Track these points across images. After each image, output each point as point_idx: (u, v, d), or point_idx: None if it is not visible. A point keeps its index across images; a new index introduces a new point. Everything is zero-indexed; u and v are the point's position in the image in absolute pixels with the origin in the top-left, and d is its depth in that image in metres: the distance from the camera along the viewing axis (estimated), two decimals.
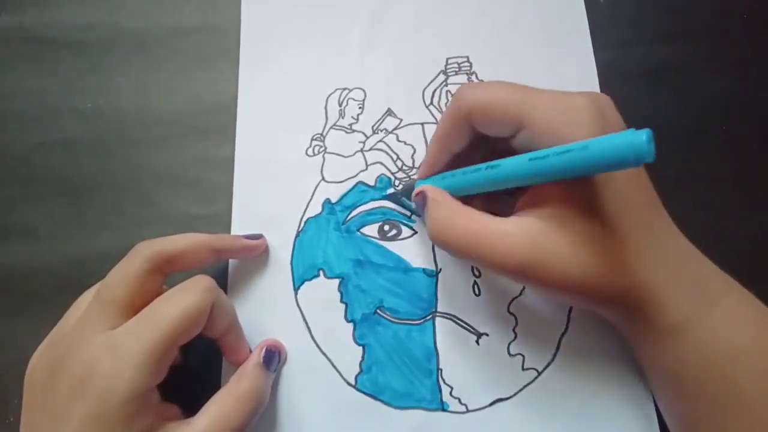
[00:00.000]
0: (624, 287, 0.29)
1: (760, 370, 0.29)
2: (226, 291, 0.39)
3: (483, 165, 0.30)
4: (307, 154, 0.42)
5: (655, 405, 0.36)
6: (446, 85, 0.43)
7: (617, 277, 0.29)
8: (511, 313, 0.38)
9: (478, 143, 0.34)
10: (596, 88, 0.42)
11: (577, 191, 0.29)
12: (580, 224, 0.29)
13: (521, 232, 0.29)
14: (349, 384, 0.37)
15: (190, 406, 0.33)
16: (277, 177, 0.41)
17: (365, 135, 0.42)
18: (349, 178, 0.41)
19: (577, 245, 0.29)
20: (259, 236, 0.39)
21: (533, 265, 0.29)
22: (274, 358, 0.36)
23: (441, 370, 0.37)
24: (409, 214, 0.40)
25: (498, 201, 0.35)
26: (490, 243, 0.29)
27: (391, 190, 0.40)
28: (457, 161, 0.35)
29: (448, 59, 0.43)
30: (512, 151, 0.31)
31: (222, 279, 0.39)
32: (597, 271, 0.29)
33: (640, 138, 0.23)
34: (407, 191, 0.37)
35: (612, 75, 0.42)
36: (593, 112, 0.29)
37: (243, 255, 0.39)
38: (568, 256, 0.29)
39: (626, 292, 0.29)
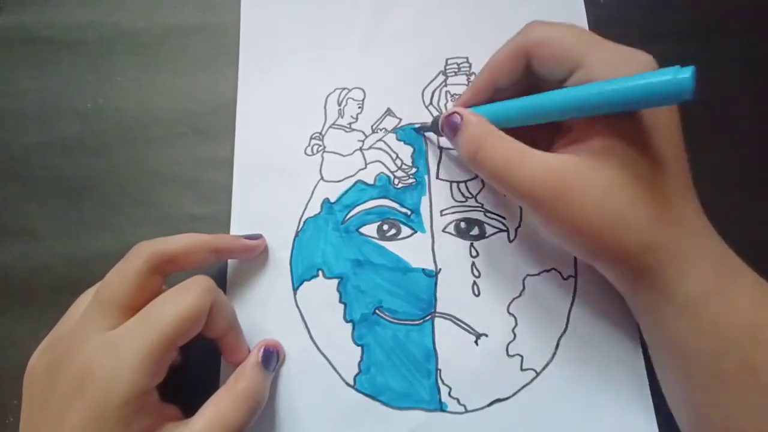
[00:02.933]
0: (648, 242, 0.29)
1: None
2: (225, 291, 0.39)
3: (533, 110, 0.31)
4: (305, 153, 0.42)
5: (654, 405, 0.36)
6: (446, 85, 0.43)
7: (645, 229, 0.29)
8: (510, 314, 0.38)
9: (522, 89, 0.34)
10: None
11: (623, 126, 0.30)
12: (618, 159, 0.29)
13: (556, 163, 0.30)
14: (347, 384, 0.37)
15: (189, 407, 0.33)
16: (276, 176, 0.41)
17: (364, 134, 0.42)
18: (348, 177, 0.41)
19: (610, 189, 0.29)
20: (258, 236, 0.39)
21: (560, 196, 0.29)
22: (272, 357, 0.36)
23: (440, 371, 0.37)
24: (409, 212, 0.40)
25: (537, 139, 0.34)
26: (523, 167, 0.30)
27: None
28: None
29: (447, 60, 0.43)
30: None
31: (221, 279, 0.39)
32: (624, 218, 0.29)
33: (685, 74, 0.25)
34: (436, 123, 0.38)
35: None
36: (654, 68, 0.30)
37: (242, 255, 0.39)
38: (597, 195, 0.29)
39: (647, 249, 0.29)
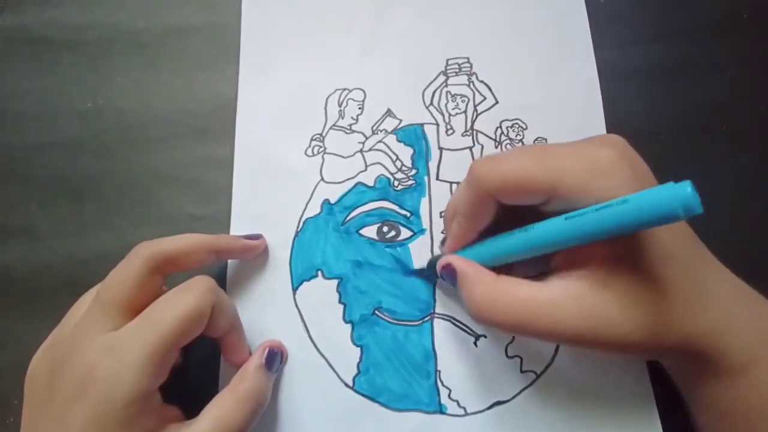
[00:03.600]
0: (680, 339, 0.28)
1: None
2: (223, 290, 0.39)
3: (516, 230, 0.30)
4: (306, 154, 0.42)
5: (656, 407, 0.36)
6: (446, 86, 0.43)
7: (672, 330, 0.28)
8: None
9: (505, 213, 0.32)
10: (596, 88, 0.42)
11: (617, 247, 0.28)
12: (625, 282, 0.28)
13: (569, 302, 0.28)
14: (346, 385, 0.37)
15: (190, 408, 0.33)
16: (277, 177, 0.41)
17: (365, 135, 0.42)
18: (348, 179, 0.41)
19: (627, 306, 0.28)
20: (258, 236, 0.39)
21: (589, 334, 0.28)
22: (275, 359, 0.36)
23: (439, 372, 0.37)
24: (408, 214, 0.40)
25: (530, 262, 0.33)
26: (539, 316, 0.28)
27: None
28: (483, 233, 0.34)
29: (448, 60, 0.43)
30: (542, 216, 0.30)
31: (221, 279, 0.39)
32: (651, 329, 0.28)
33: (685, 190, 0.23)
34: (432, 266, 0.36)
35: (612, 75, 0.42)
36: (623, 166, 0.28)
37: (243, 255, 0.39)
38: (620, 319, 0.28)
39: (684, 343, 0.29)
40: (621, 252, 0.28)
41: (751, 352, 0.29)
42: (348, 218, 0.40)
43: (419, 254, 0.39)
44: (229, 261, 0.40)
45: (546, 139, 0.41)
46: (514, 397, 0.36)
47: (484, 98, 0.42)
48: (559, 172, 0.28)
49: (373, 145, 0.41)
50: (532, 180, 0.29)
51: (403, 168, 0.41)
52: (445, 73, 0.43)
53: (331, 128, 0.42)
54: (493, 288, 0.30)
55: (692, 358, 0.30)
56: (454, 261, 0.32)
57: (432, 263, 0.37)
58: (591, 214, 0.26)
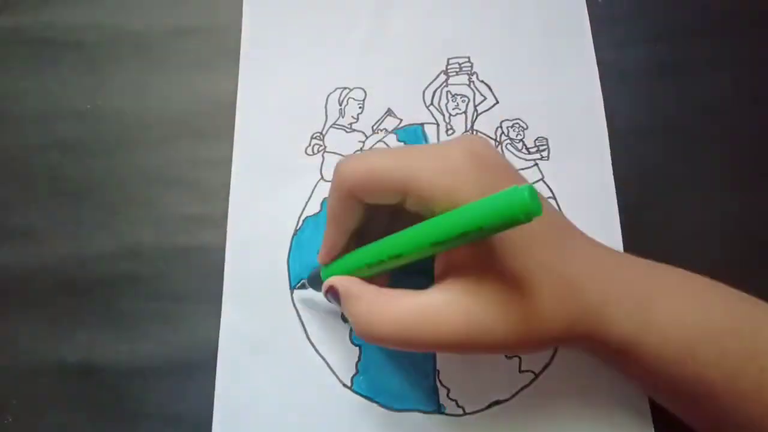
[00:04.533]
0: (560, 329, 0.29)
1: (717, 357, 0.29)
2: (222, 289, 0.39)
3: (385, 254, 0.29)
4: (306, 152, 0.42)
5: (651, 407, 0.36)
6: (447, 85, 0.43)
7: (546, 324, 0.28)
8: None
9: (374, 211, 0.32)
10: (597, 88, 0.42)
11: (479, 251, 0.28)
12: (491, 286, 0.28)
13: (449, 310, 0.28)
14: (344, 385, 0.37)
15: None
16: (276, 175, 0.41)
17: (365, 135, 0.42)
18: None
19: (498, 311, 0.28)
20: None
21: (470, 341, 0.28)
22: None
23: (438, 372, 0.37)
24: None
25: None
26: (424, 326, 0.28)
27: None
28: (360, 234, 0.33)
29: (449, 59, 0.43)
30: (408, 212, 0.30)
31: (218, 276, 0.39)
32: (524, 329, 0.28)
33: (523, 195, 0.23)
34: (315, 280, 0.36)
35: (612, 75, 0.42)
36: (472, 166, 0.28)
37: None
38: (494, 324, 0.28)
39: (566, 331, 0.29)
40: (483, 256, 0.28)
41: (630, 326, 0.29)
42: None
43: None
44: (226, 258, 0.39)
45: (546, 139, 0.41)
46: (512, 397, 0.36)
47: (485, 98, 0.42)
48: (413, 170, 0.28)
49: (374, 145, 0.41)
50: (388, 176, 0.29)
51: None
52: (445, 72, 0.43)
53: (331, 127, 0.42)
54: (377, 301, 0.29)
55: (586, 341, 0.30)
56: (335, 282, 0.32)
57: (314, 277, 0.36)
58: (435, 221, 0.27)
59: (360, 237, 0.33)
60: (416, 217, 0.28)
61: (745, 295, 0.31)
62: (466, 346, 0.28)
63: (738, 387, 0.28)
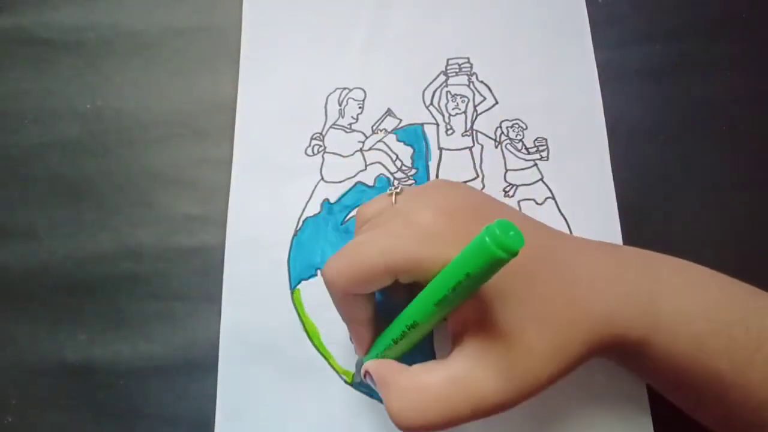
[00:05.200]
0: (578, 355, 0.29)
1: (725, 347, 0.29)
2: (222, 290, 0.39)
3: (403, 326, 0.29)
4: (306, 153, 0.42)
5: (651, 407, 0.36)
6: (446, 86, 0.43)
7: (565, 356, 0.28)
8: None
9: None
10: (596, 88, 0.42)
11: (480, 305, 0.28)
12: (494, 341, 0.28)
13: (472, 379, 0.27)
14: (346, 382, 0.37)
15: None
16: (276, 176, 0.41)
17: (364, 135, 0.42)
18: (348, 178, 0.41)
19: (496, 366, 0.27)
20: None
21: (505, 401, 0.27)
22: None
23: None
24: None
25: None
26: (453, 408, 0.27)
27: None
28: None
29: (448, 60, 0.43)
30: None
31: (218, 276, 0.39)
32: (551, 365, 0.28)
33: (494, 233, 0.22)
34: (359, 371, 0.35)
35: (612, 75, 0.42)
36: (445, 224, 0.28)
37: None
38: (524, 376, 0.28)
39: (583, 355, 0.29)
40: (483, 310, 0.28)
41: (640, 333, 0.29)
42: (348, 218, 0.40)
43: None
44: (227, 259, 0.39)
45: (546, 139, 0.41)
46: None
47: (484, 98, 0.42)
48: (392, 252, 0.28)
49: (373, 145, 0.41)
50: (371, 269, 0.28)
51: (403, 168, 0.41)
52: (445, 73, 0.43)
53: (331, 127, 0.42)
54: (406, 390, 0.29)
55: (602, 352, 0.30)
56: (370, 368, 0.31)
57: (358, 367, 0.36)
58: (431, 284, 0.27)
59: (388, 313, 0.33)
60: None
61: (744, 284, 0.31)
62: (504, 406, 0.28)
63: (747, 377, 0.28)
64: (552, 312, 0.28)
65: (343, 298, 0.31)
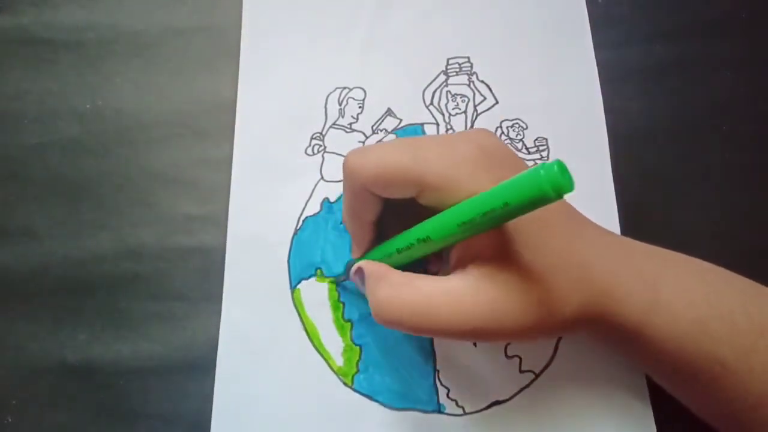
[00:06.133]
0: (572, 313, 0.29)
1: (729, 333, 0.29)
2: (222, 289, 0.39)
3: (413, 238, 0.29)
4: (306, 153, 0.42)
5: (652, 407, 0.36)
6: (447, 85, 0.43)
7: (559, 308, 0.29)
8: None
9: (392, 203, 0.32)
10: (596, 88, 0.42)
11: (496, 240, 0.28)
12: (507, 273, 0.28)
13: (466, 296, 0.28)
14: (345, 384, 0.37)
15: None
16: (276, 175, 0.41)
17: (365, 135, 0.42)
18: None
19: (513, 297, 0.28)
20: None
21: (485, 326, 0.28)
22: None
23: (438, 371, 0.37)
24: None
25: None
26: (440, 309, 0.28)
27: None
28: (382, 227, 0.34)
29: (449, 59, 0.43)
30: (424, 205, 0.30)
31: (218, 277, 0.39)
32: (538, 313, 0.28)
33: (552, 170, 0.22)
34: (348, 272, 0.36)
35: (612, 74, 0.42)
36: (482, 159, 0.29)
37: None
38: (509, 308, 0.28)
39: (578, 316, 0.29)
40: (502, 244, 0.28)
41: (640, 308, 0.29)
42: None
43: None
44: (227, 258, 0.39)
45: (546, 139, 0.41)
46: (512, 397, 0.36)
47: (485, 98, 0.42)
48: (427, 162, 0.29)
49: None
50: (402, 171, 0.29)
51: None
52: (445, 72, 0.43)
53: (331, 127, 0.42)
54: (398, 285, 0.29)
55: (598, 324, 0.30)
56: (363, 264, 0.32)
57: (348, 267, 0.36)
58: (462, 204, 0.27)
59: (382, 235, 0.33)
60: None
61: (746, 278, 0.31)
62: (484, 331, 0.28)
63: (749, 364, 0.28)
64: (560, 266, 0.29)
65: (358, 192, 0.31)
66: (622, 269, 0.30)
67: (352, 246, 0.35)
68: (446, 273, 0.30)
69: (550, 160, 0.41)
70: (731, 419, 0.31)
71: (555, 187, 0.22)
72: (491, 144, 0.30)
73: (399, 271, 0.30)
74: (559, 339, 0.37)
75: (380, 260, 0.32)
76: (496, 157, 0.29)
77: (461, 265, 0.30)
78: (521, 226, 0.28)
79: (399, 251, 0.31)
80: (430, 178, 0.28)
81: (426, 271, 0.35)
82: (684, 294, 0.30)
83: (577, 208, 0.39)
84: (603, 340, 0.33)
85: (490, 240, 0.28)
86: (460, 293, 0.28)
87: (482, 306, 0.28)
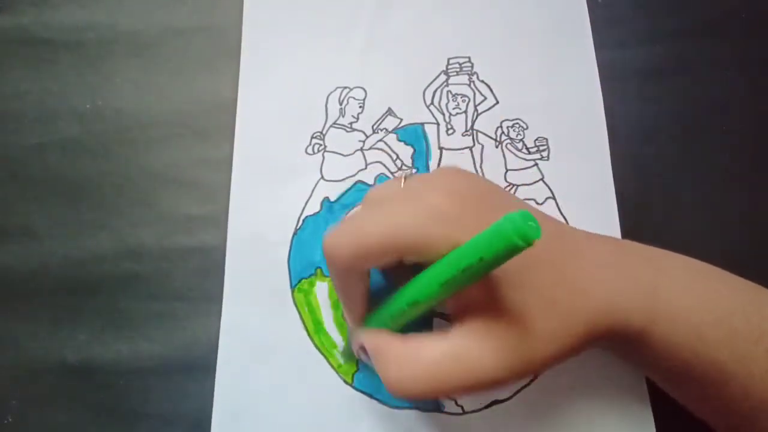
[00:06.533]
0: (578, 342, 0.29)
1: (726, 337, 0.29)
2: (222, 289, 0.39)
3: (403, 304, 0.29)
4: (306, 152, 0.42)
5: (653, 408, 0.36)
6: (447, 85, 0.43)
7: (564, 342, 0.28)
8: None
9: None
10: (596, 88, 0.42)
11: (487, 288, 0.28)
12: (509, 318, 0.28)
13: (473, 355, 0.27)
14: (345, 382, 0.37)
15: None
16: (276, 175, 0.41)
17: (365, 134, 0.42)
18: (348, 177, 0.41)
19: (517, 341, 0.27)
20: None
21: (500, 377, 0.27)
22: None
23: None
24: None
25: None
26: (449, 380, 0.28)
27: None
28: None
29: (449, 59, 0.43)
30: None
31: (218, 276, 0.39)
32: (547, 350, 0.28)
33: (514, 221, 0.23)
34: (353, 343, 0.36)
35: (612, 75, 0.42)
36: (450, 209, 0.28)
37: None
38: (520, 356, 0.27)
39: (584, 341, 0.29)
40: (489, 292, 0.28)
41: (642, 317, 0.29)
42: None
43: None
44: (228, 258, 0.39)
45: (546, 139, 0.41)
46: (511, 397, 0.36)
47: (485, 98, 0.42)
48: (399, 229, 0.28)
49: (374, 144, 0.41)
50: (377, 245, 0.28)
51: (403, 167, 0.41)
52: (446, 72, 0.43)
53: (331, 126, 0.42)
54: (404, 362, 0.29)
55: (602, 341, 0.30)
56: (365, 341, 0.32)
57: (349, 338, 0.36)
58: (439, 264, 0.27)
59: (381, 293, 0.33)
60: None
61: (746, 280, 0.31)
62: (499, 383, 0.28)
63: (749, 369, 0.28)
64: (555, 298, 0.28)
65: (342, 273, 0.31)
66: (620, 283, 0.30)
67: (347, 317, 0.35)
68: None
69: (551, 159, 0.41)
70: (731, 422, 0.31)
71: (522, 237, 0.22)
72: (460, 186, 0.30)
73: (401, 341, 0.30)
74: None
75: (379, 327, 0.32)
76: (468, 200, 0.29)
77: (459, 317, 0.29)
78: (507, 267, 0.26)
79: (393, 318, 0.31)
80: (405, 246, 0.28)
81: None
82: (682, 300, 0.30)
83: (578, 208, 0.39)
84: (610, 348, 0.33)
85: (479, 289, 0.28)
86: (465, 354, 0.28)
87: (489, 361, 0.27)
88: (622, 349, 0.33)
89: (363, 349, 0.32)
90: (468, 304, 0.29)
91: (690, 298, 0.30)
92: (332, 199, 0.40)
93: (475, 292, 0.28)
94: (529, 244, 0.23)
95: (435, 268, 0.27)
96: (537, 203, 0.40)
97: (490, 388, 0.28)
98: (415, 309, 0.29)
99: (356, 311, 0.33)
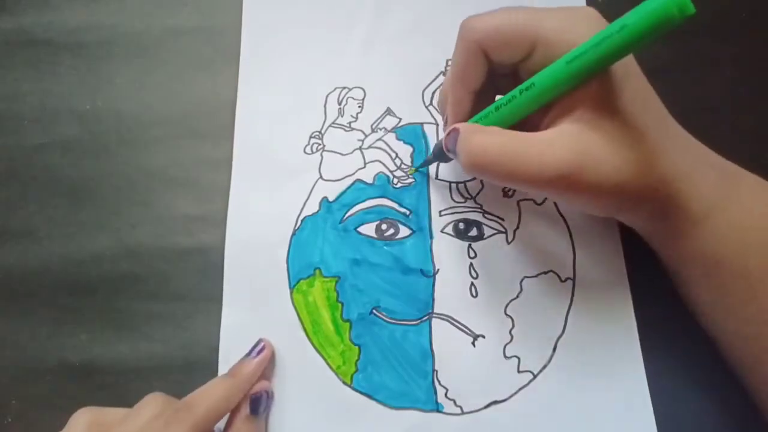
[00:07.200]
0: (653, 182, 0.30)
1: None
2: (222, 289, 0.39)
3: (515, 91, 0.30)
4: (305, 151, 0.42)
5: (653, 407, 0.36)
6: None
7: (647, 173, 0.29)
8: (507, 315, 0.38)
9: (489, 82, 0.33)
10: None
11: (601, 91, 0.29)
12: (609, 125, 0.29)
13: (562, 139, 0.29)
14: (344, 383, 0.37)
15: None
16: (275, 174, 0.41)
17: (364, 133, 0.42)
18: (347, 176, 0.41)
19: (611, 146, 0.29)
20: (260, 345, 0.37)
21: (576, 170, 0.28)
22: (260, 402, 0.35)
23: (436, 372, 0.37)
24: (408, 212, 0.40)
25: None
26: (530, 155, 0.29)
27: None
28: (476, 106, 0.34)
29: (448, 60, 0.43)
30: (523, 80, 0.31)
31: (218, 277, 0.39)
32: (631, 169, 0.29)
33: None
34: (438, 149, 0.36)
35: None
36: (598, 23, 0.30)
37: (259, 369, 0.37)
38: (605, 157, 0.29)
39: (656, 187, 0.30)
40: (604, 96, 0.29)
41: (714, 194, 0.30)
42: (346, 215, 0.40)
43: (418, 253, 0.39)
44: (226, 258, 0.40)
45: None
46: (510, 397, 0.36)
47: None
48: (541, 24, 0.30)
49: (373, 143, 0.41)
50: (517, 30, 0.30)
51: (403, 166, 0.41)
52: (444, 73, 0.43)
53: (330, 126, 0.42)
54: (493, 132, 0.30)
55: (662, 208, 0.31)
56: (459, 124, 0.32)
57: (437, 146, 0.37)
58: (592, 42, 0.27)
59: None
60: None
61: None
62: (571, 178, 0.28)
63: None
64: (662, 129, 0.30)
65: (470, 53, 0.32)
66: (700, 160, 0.31)
67: (447, 110, 0.35)
68: None
69: None
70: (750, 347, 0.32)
71: (680, 6, 0.22)
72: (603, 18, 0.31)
73: (494, 127, 0.31)
74: (557, 340, 0.37)
75: (477, 121, 0.33)
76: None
77: (554, 120, 0.30)
78: (627, 83, 0.29)
79: (498, 108, 0.31)
80: (545, 31, 0.29)
81: None
82: (758, 194, 0.31)
83: None
84: (657, 229, 0.34)
85: (594, 90, 0.29)
86: (555, 138, 0.29)
87: (574, 153, 0.28)
88: (674, 235, 0.32)
89: (452, 132, 0.32)
90: (577, 101, 0.29)
91: (763, 206, 0.31)
92: (331, 198, 0.40)
93: (590, 91, 0.29)
94: (682, 16, 0.22)
95: (579, 54, 0.27)
96: (536, 203, 0.40)
97: (559, 185, 0.29)
98: (526, 98, 0.30)
99: (462, 102, 0.34)
